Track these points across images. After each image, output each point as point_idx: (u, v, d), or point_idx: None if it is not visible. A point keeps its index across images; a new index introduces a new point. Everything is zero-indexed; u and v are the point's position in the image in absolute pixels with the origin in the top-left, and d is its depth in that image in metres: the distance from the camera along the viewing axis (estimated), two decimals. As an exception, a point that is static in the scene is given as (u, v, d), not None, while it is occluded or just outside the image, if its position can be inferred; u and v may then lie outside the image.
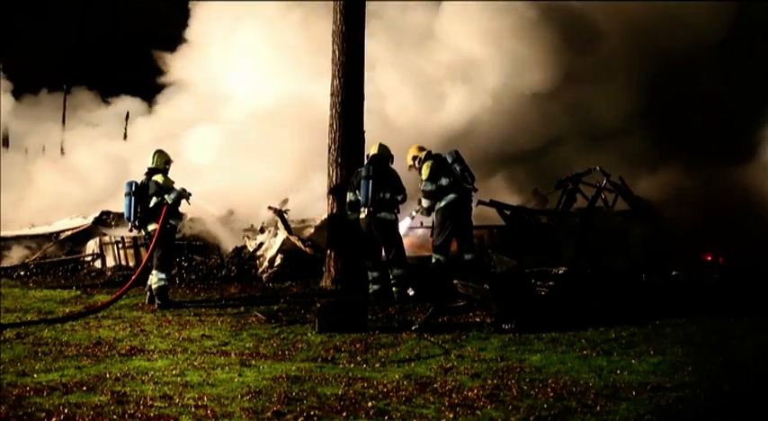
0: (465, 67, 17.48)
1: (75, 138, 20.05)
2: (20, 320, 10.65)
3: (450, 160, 12.11)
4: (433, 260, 11.98)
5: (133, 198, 11.79)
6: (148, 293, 11.83)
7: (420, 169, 12.11)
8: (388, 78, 16.89)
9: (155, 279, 11.71)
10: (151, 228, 11.86)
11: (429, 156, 12.16)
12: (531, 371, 7.98)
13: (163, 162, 12.10)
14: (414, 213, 12.94)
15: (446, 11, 17.72)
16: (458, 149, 12.37)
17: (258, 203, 14.95)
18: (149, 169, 12.02)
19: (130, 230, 12.51)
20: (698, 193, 14.39)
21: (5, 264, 15.16)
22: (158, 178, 11.90)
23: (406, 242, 12.50)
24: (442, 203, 11.94)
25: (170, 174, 12.09)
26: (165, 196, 11.78)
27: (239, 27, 18.39)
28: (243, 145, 16.70)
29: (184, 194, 11.95)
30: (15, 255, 15.54)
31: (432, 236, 12.26)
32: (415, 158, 12.22)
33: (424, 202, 12.12)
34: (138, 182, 11.93)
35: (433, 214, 12.11)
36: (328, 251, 12.71)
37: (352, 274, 12.31)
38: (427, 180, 11.99)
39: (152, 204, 11.82)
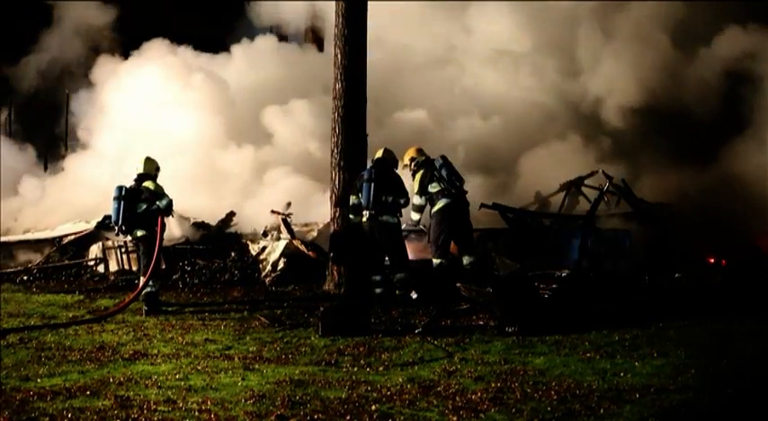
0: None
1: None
2: (23, 325, 10.65)
3: (438, 166, 12.09)
4: (434, 264, 11.97)
5: (123, 202, 11.79)
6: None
7: (413, 175, 12.14)
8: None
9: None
10: (139, 233, 11.86)
11: (422, 164, 12.15)
12: (534, 373, 7.98)
13: (153, 168, 12.10)
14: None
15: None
16: (444, 155, 12.35)
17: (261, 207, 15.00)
18: (139, 175, 12.01)
19: (117, 234, 12.50)
20: (699, 194, 14.40)
21: (9, 268, 15.16)
22: (149, 184, 11.88)
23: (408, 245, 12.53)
24: (434, 208, 11.93)
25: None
26: (158, 202, 11.77)
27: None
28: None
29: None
30: (18, 260, 15.53)
31: (428, 240, 12.27)
32: (412, 160, 12.22)
33: (414, 216, 12.21)
34: (128, 186, 11.92)
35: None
36: (331, 254, 12.71)
37: (355, 278, 12.31)
38: (417, 193, 12.02)
39: (141, 210, 11.82)
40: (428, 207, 12.07)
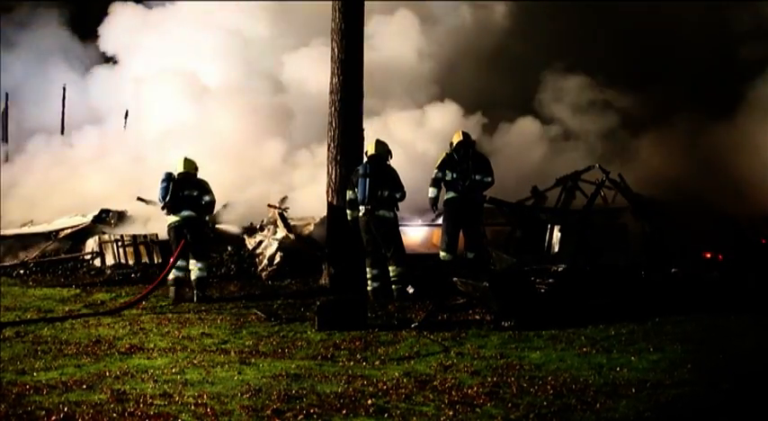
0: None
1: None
2: (19, 319, 10.65)
3: (462, 155, 12.16)
4: (440, 257, 12.23)
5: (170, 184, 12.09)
6: (173, 287, 12.04)
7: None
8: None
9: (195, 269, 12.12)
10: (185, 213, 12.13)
11: (454, 148, 12.29)
12: (530, 368, 7.99)
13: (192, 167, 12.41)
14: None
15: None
16: (474, 142, 12.51)
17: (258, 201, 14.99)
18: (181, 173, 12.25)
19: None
20: (697, 188, 14.41)
21: (5, 262, 15.13)
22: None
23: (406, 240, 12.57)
24: (445, 198, 12.15)
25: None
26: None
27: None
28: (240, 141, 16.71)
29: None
30: (15, 254, 15.50)
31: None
32: (450, 145, 12.43)
33: (429, 192, 12.33)
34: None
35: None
36: (328, 249, 12.71)
37: (352, 272, 12.31)
38: (436, 168, 12.27)
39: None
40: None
